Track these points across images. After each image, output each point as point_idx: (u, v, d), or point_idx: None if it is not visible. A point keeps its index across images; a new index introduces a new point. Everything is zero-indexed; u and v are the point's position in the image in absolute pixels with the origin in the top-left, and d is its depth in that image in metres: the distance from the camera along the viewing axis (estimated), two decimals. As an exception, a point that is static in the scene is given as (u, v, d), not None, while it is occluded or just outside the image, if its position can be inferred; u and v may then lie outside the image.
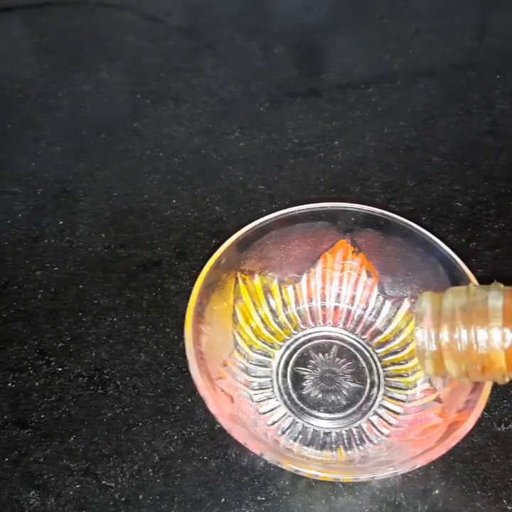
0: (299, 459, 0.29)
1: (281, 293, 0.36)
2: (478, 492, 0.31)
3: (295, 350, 0.35)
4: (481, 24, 0.63)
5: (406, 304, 0.35)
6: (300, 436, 0.31)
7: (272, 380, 0.33)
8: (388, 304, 0.35)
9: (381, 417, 0.32)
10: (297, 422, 0.32)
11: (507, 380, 0.24)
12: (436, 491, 0.31)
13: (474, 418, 0.26)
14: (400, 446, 0.29)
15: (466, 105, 0.52)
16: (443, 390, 0.31)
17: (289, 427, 0.32)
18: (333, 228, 0.35)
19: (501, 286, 0.25)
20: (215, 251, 0.41)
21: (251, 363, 0.34)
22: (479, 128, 0.50)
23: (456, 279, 0.31)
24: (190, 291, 0.39)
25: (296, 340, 0.35)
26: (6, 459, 0.33)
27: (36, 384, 0.36)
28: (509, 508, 0.31)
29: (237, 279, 0.34)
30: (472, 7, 0.64)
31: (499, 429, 0.33)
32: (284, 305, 0.36)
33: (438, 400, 0.31)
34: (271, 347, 0.35)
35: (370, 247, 0.35)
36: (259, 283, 0.35)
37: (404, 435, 0.30)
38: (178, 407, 0.35)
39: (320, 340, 0.35)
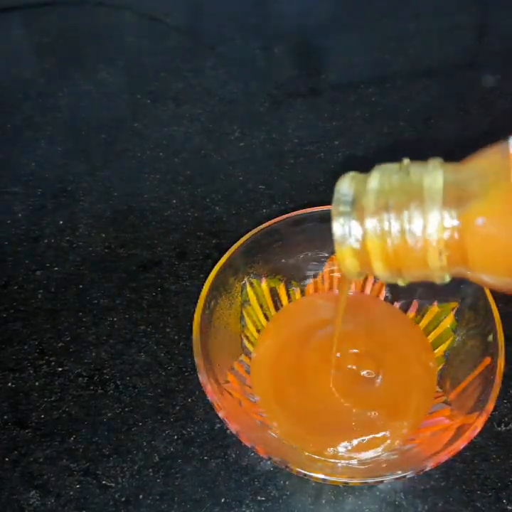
0: (307, 463, 0.29)
1: (288, 296, 0.36)
2: (478, 492, 0.31)
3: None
4: (481, 24, 0.63)
5: (414, 306, 0.35)
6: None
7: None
8: (396, 305, 0.36)
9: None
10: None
11: (447, 278, 0.19)
12: (436, 491, 0.31)
13: (483, 420, 0.26)
14: (409, 449, 0.29)
15: (466, 105, 0.52)
16: (451, 392, 0.31)
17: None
18: None
19: (440, 160, 0.20)
20: (215, 251, 0.42)
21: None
22: (479, 128, 0.50)
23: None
24: (190, 291, 0.40)
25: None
26: (6, 459, 0.33)
27: (36, 384, 0.36)
28: (509, 508, 0.31)
29: (244, 282, 0.34)
30: (472, 7, 0.64)
31: (499, 429, 0.33)
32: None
33: (446, 402, 0.31)
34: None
35: None
36: (266, 286, 0.35)
37: (414, 438, 0.30)
38: (178, 407, 0.35)
39: None
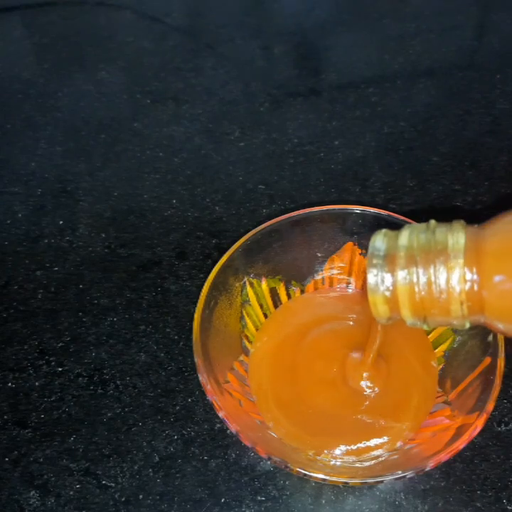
0: (308, 463, 0.28)
1: (288, 296, 0.36)
2: (478, 492, 0.31)
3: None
4: (481, 24, 0.63)
5: None
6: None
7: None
8: None
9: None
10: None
11: (467, 325, 0.22)
12: (437, 491, 0.31)
13: (483, 420, 0.26)
14: (409, 449, 0.29)
15: (466, 105, 0.52)
16: (452, 392, 0.31)
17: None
18: (340, 230, 0.35)
19: (463, 222, 0.22)
20: (215, 251, 0.42)
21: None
22: (479, 128, 0.50)
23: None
24: (190, 291, 0.40)
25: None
26: (6, 459, 0.33)
27: (36, 384, 0.36)
28: (509, 508, 0.31)
29: (244, 282, 0.34)
30: (472, 7, 0.64)
31: (499, 429, 0.33)
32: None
33: (447, 402, 0.31)
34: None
35: None
36: (266, 286, 0.35)
37: (414, 438, 0.30)
38: (178, 407, 0.35)
39: None
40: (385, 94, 0.53)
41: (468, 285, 0.20)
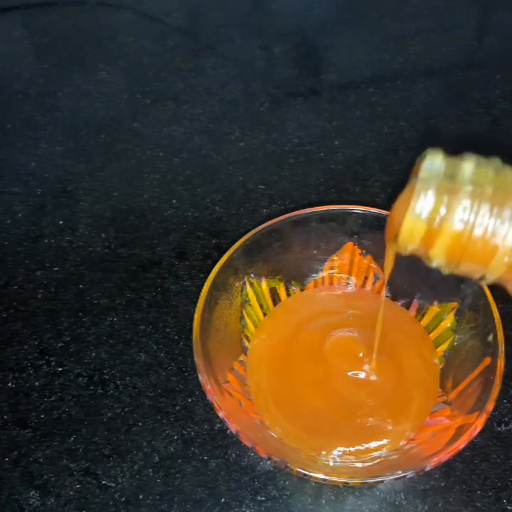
0: (307, 463, 0.28)
1: (288, 296, 0.36)
2: (478, 492, 0.31)
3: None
4: (481, 24, 0.63)
5: (414, 306, 0.35)
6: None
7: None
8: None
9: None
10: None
11: (490, 280, 0.20)
12: (437, 491, 0.31)
13: (483, 420, 0.26)
14: (409, 449, 0.29)
15: (466, 105, 0.52)
16: (452, 392, 0.31)
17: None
18: (340, 230, 0.35)
19: None
20: (215, 251, 0.42)
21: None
22: (479, 128, 0.50)
23: (465, 279, 0.31)
24: (190, 291, 0.40)
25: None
26: (6, 459, 0.33)
27: (36, 384, 0.36)
28: (509, 508, 0.31)
29: (244, 282, 0.34)
30: (472, 7, 0.64)
31: (499, 429, 0.33)
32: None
33: (447, 402, 0.31)
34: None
35: (377, 249, 0.35)
36: (266, 286, 0.35)
37: (414, 438, 0.30)
38: (178, 407, 0.35)
39: None
40: (385, 94, 0.53)
41: None
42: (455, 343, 0.32)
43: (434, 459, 0.26)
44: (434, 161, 0.21)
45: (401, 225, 0.20)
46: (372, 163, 0.47)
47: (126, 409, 0.35)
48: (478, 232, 0.19)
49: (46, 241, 0.43)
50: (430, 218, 0.20)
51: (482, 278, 0.20)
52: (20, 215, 0.45)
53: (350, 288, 0.37)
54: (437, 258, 0.20)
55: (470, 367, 0.30)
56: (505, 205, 0.19)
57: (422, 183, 0.20)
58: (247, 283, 0.34)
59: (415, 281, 0.35)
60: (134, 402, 0.35)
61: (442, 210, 0.19)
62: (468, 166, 0.20)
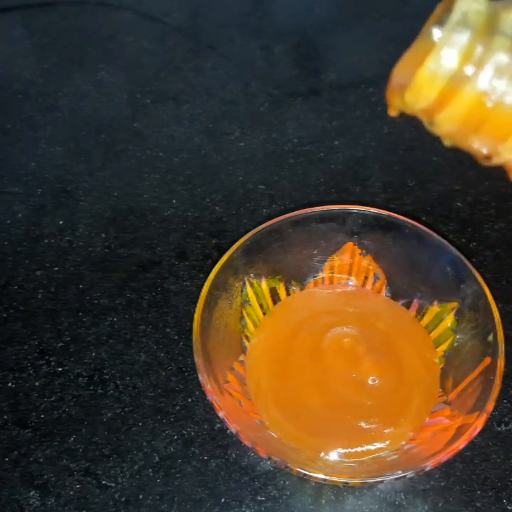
0: (307, 463, 0.29)
1: (288, 296, 0.36)
2: (478, 492, 0.31)
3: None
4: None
5: (414, 306, 0.35)
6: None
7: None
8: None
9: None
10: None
11: (496, 161, 0.18)
12: (437, 491, 0.31)
13: (483, 420, 0.26)
14: (409, 449, 0.29)
15: (466, 105, 0.52)
16: (452, 392, 0.31)
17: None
18: (340, 230, 0.35)
19: None
20: (215, 251, 0.42)
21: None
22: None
23: (464, 280, 0.31)
24: (190, 291, 0.40)
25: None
26: (6, 459, 0.33)
27: (36, 384, 0.36)
28: (509, 508, 0.31)
29: (244, 282, 0.34)
30: (472, 7, 0.64)
31: (499, 429, 0.33)
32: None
33: (447, 402, 0.31)
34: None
35: (377, 249, 0.35)
36: (266, 286, 0.35)
37: (414, 438, 0.30)
38: (178, 407, 0.35)
39: None
40: (385, 94, 0.53)
41: None
42: (455, 343, 0.32)
43: (434, 459, 0.26)
44: (472, 2, 0.16)
45: (415, 74, 0.17)
46: (372, 163, 0.47)
47: (126, 409, 0.35)
48: (509, 98, 0.16)
49: (46, 241, 0.43)
50: (456, 70, 0.16)
51: (489, 157, 0.18)
52: (20, 215, 0.45)
53: (350, 287, 0.37)
54: (450, 121, 0.17)
55: (470, 367, 0.30)
56: None
57: (456, 23, 0.16)
58: (247, 283, 0.34)
59: (415, 281, 0.35)
60: (134, 402, 0.35)
61: (475, 58, 0.16)
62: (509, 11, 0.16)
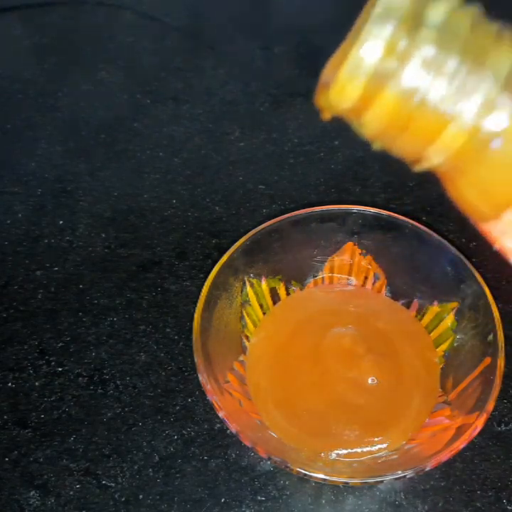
0: (308, 463, 0.29)
1: (288, 296, 0.36)
2: (478, 492, 0.31)
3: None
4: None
5: (414, 306, 0.35)
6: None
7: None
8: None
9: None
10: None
11: (424, 165, 0.17)
12: (437, 491, 0.31)
13: (483, 420, 0.26)
14: (409, 449, 0.29)
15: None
16: (452, 392, 0.31)
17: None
18: (340, 230, 0.35)
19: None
20: (215, 251, 0.42)
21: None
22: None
23: (464, 280, 0.31)
24: (190, 291, 0.40)
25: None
26: (6, 459, 0.33)
27: (36, 384, 0.36)
28: (509, 508, 0.31)
29: (244, 282, 0.34)
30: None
31: (499, 429, 0.33)
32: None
33: (447, 402, 0.31)
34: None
35: (377, 249, 0.35)
36: (266, 286, 0.35)
37: (414, 438, 0.30)
38: (178, 407, 0.35)
39: None
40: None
41: (492, 115, 0.15)
42: (455, 343, 0.32)
43: (434, 459, 0.26)
44: None
45: (339, 69, 0.16)
46: (372, 163, 0.47)
47: (126, 409, 0.35)
48: (437, 91, 0.15)
49: (46, 241, 0.43)
50: (378, 65, 0.15)
51: (418, 161, 0.16)
52: (20, 215, 0.45)
53: (350, 287, 0.37)
54: (374, 123, 0.16)
55: (470, 367, 0.30)
56: (476, 64, 0.15)
57: (378, 16, 0.15)
58: (247, 283, 0.34)
59: (415, 281, 0.35)
60: (134, 402, 0.35)
61: (397, 54, 0.15)
62: (440, 6, 0.15)
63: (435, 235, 0.33)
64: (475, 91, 0.15)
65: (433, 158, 0.16)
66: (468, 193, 0.16)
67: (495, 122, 0.15)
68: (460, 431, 0.27)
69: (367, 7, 0.16)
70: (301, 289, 0.36)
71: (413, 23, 0.15)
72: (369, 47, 0.15)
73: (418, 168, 0.17)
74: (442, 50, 0.15)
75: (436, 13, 0.15)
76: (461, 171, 0.16)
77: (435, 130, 0.15)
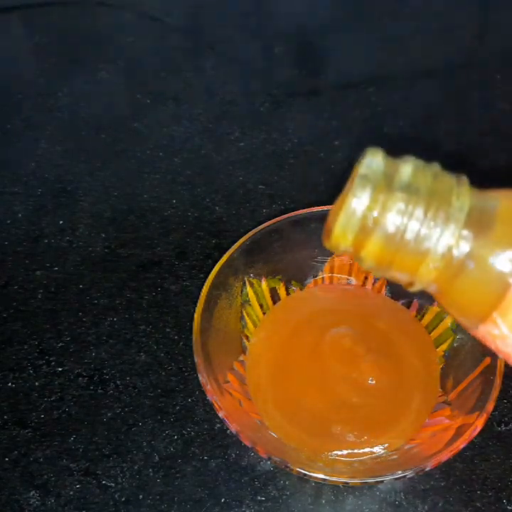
0: (308, 463, 0.29)
1: (288, 296, 0.36)
2: (478, 492, 0.31)
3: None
4: (481, 24, 0.63)
5: (414, 306, 0.35)
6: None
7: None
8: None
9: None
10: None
11: (418, 288, 0.20)
12: (437, 491, 0.31)
13: (483, 420, 0.26)
14: (409, 449, 0.29)
15: (466, 105, 0.52)
16: (452, 392, 0.31)
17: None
18: None
19: (467, 183, 0.20)
20: (215, 251, 0.42)
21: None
22: (479, 128, 0.50)
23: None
24: (190, 291, 0.40)
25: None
26: (6, 459, 0.33)
27: (36, 384, 0.36)
28: (509, 508, 0.31)
29: (244, 282, 0.34)
30: (472, 7, 0.64)
31: (499, 429, 0.33)
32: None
33: (447, 402, 0.31)
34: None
35: None
36: (266, 286, 0.35)
37: (414, 438, 0.30)
38: (178, 407, 0.35)
39: None
40: (385, 94, 0.53)
41: (456, 249, 0.19)
42: (455, 343, 0.32)
43: (434, 459, 0.26)
44: (373, 160, 0.21)
45: (334, 224, 0.20)
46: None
47: (126, 409, 0.35)
48: (410, 235, 0.19)
49: (46, 241, 0.43)
50: (363, 217, 0.19)
51: (411, 284, 0.20)
52: (20, 215, 0.45)
53: (350, 287, 0.37)
54: (368, 260, 0.20)
55: (470, 367, 0.30)
56: (439, 210, 0.19)
57: (360, 180, 0.20)
58: (247, 283, 0.34)
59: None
60: (134, 402, 0.35)
61: (376, 210, 0.19)
62: (407, 168, 0.20)
63: None
64: (443, 229, 0.19)
65: (418, 284, 0.20)
66: (450, 310, 0.20)
67: (461, 252, 0.19)
68: (460, 431, 0.27)
69: (355, 168, 0.21)
70: (301, 289, 0.36)
71: (388, 181, 0.20)
72: (356, 203, 0.19)
73: (411, 289, 0.20)
74: (412, 202, 0.19)
75: (404, 173, 0.20)
76: (442, 292, 0.20)
77: (415, 263, 0.19)
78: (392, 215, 0.19)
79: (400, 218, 0.19)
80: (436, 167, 0.20)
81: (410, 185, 0.19)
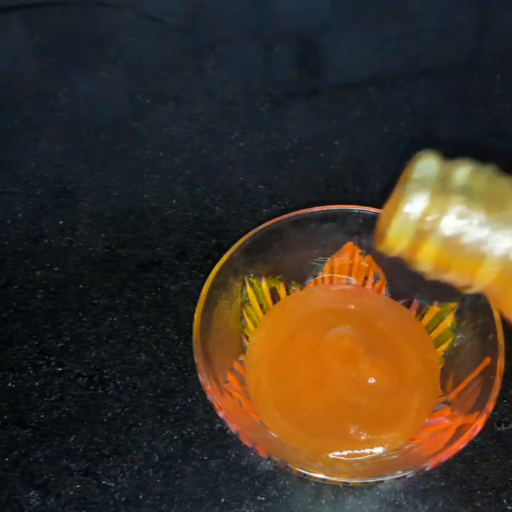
0: (308, 463, 0.28)
1: (288, 296, 0.36)
2: (478, 492, 0.31)
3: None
4: (481, 24, 0.63)
5: (414, 306, 0.35)
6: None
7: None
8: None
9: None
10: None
11: (473, 291, 0.21)
12: (437, 491, 0.31)
13: (483, 420, 0.26)
14: (409, 449, 0.29)
15: (466, 105, 0.52)
16: (452, 392, 0.31)
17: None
18: (340, 230, 0.35)
19: None
20: (215, 251, 0.42)
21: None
22: (479, 128, 0.50)
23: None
24: (190, 291, 0.40)
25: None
26: (6, 459, 0.33)
27: (36, 384, 0.36)
28: (509, 508, 0.31)
29: (244, 282, 0.34)
30: (472, 7, 0.64)
31: (499, 429, 0.33)
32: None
33: (447, 402, 0.31)
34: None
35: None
36: (266, 286, 0.35)
37: (414, 438, 0.30)
38: (178, 407, 0.35)
39: None
40: (385, 94, 0.53)
41: None
42: (455, 343, 0.32)
43: (434, 459, 0.26)
44: (428, 164, 0.21)
45: (389, 226, 0.20)
46: (372, 163, 0.47)
47: (126, 409, 0.35)
48: (468, 239, 0.19)
49: (46, 241, 0.43)
50: (420, 221, 0.19)
51: (468, 287, 0.20)
52: (20, 215, 0.45)
53: (350, 287, 0.37)
54: (424, 263, 0.20)
55: (470, 367, 0.30)
56: (497, 214, 0.19)
57: (415, 184, 0.20)
58: (247, 283, 0.34)
59: (415, 281, 0.35)
60: (134, 402, 0.35)
61: (433, 214, 0.19)
62: (462, 171, 0.20)
63: None
64: (501, 233, 0.19)
65: (477, 286, 0.20)
66: (508, 313, 0.21)
67: None
68: (460, 431, 0.27)
69: (408, 168, 0.21)
70: (301, 289, 0.36)
71: (442, 185, 0.19)
72: (411, 207, 0.19)
73: (467, 291, 0.21)
74: (470, 205, 0.19)
75: (460, 176, 0.19)
76: (500, 295, 0.20)
77: (473, 266, 0.19)
78: (450, 218, 0.19)
79: (458, 221, 0.19)
80: (490, 170, 0.20)
81: (467, 189, 0.19)
